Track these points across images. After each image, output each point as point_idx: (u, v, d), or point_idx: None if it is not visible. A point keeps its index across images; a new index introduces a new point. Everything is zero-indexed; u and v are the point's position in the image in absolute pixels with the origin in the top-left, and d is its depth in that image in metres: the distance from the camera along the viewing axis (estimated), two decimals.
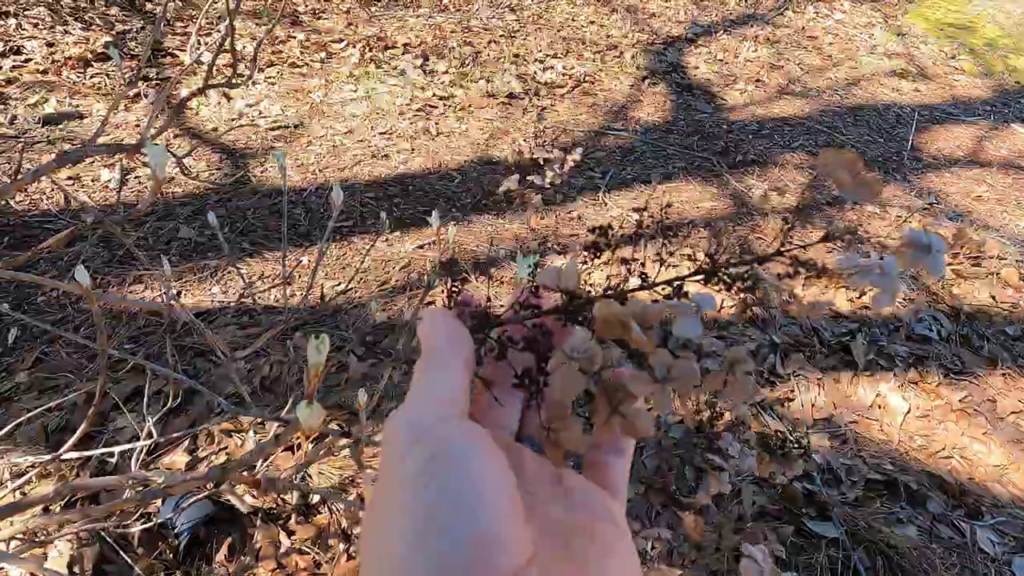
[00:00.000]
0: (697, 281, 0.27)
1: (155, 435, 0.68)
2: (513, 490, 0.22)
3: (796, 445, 1.38)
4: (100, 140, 2.33)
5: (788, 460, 1.29)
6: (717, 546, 1.17)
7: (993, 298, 1.91)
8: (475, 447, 0.22)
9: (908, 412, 1.55)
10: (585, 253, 0.30)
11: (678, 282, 0.27)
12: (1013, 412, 1.57)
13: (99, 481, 0.51)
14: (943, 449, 1.47)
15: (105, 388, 0.55)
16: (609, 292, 0.27)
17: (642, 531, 1.16)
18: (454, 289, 0.30)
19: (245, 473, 0.59)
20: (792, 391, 1.58)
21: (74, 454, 0.58)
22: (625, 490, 0.30)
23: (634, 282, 0.28)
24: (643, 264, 0.29)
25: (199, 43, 2.76)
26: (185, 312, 0.70)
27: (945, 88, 3.53)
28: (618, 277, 0.27)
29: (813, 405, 1.56)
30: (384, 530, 0.21)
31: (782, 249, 0.25)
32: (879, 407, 1.57)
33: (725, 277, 0.26)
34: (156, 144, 0.56)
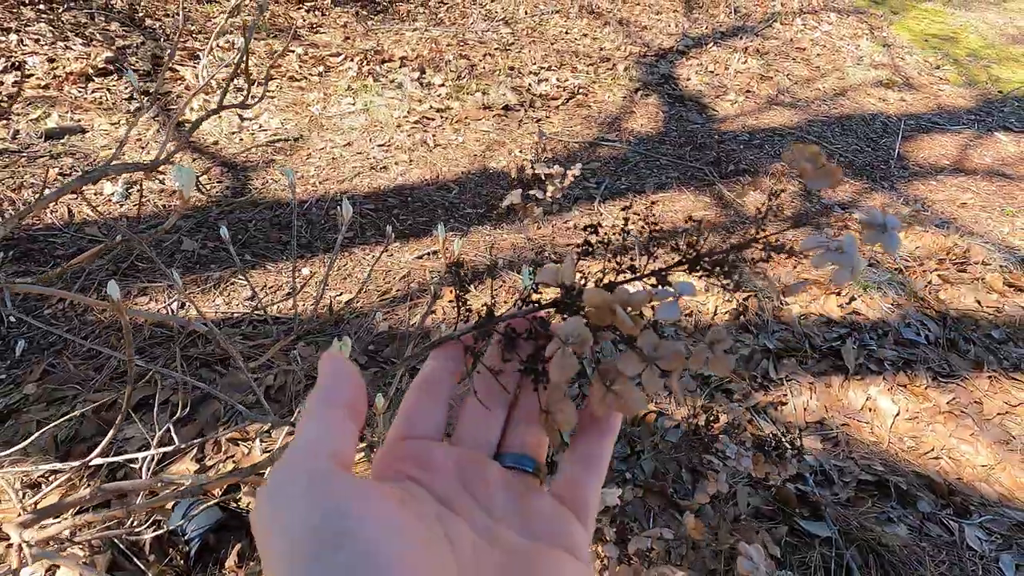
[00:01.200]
0: (682, 269, 0.29)
1: (176, 441, 0.71)
2: (406, 545, 0.21)
3: (790, 446, 1.42)
4: (103, 155, 2.36)
5: (782, 461, 1.33)
6: (715, 550, 1.21)
7: (978, 303, 1.97)
8: (360, 509, 0.21)
9: (897, 414, 1.60)
10: (578, 251, 0.32)
11: (665, 272, 0.29)
12: (999, 413, 1.61)
13: (132, 484, 0.54)
14: (932, 450, 1.51)
15: (131, 397, 0.58)
16: (600, 284, 0.29)
17: (644, 532, 1.19)
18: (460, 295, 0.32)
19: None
20: (785, 395, 1.62)
21: (100, 460, 0.61)
22: (594, 513, 0.30)
23: (625, 275, 0.30)
24: (632, 258, 0.32)
25: (204, 58, 2.80)
26: (206, 323, 0.73)
27: (930, 98, 3.61)
28: (612, 271, 0.30)
29: (805, 409, 1.60)
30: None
31: (757, 236, 0.28)
32: (869, 410, 1.61)
33: (706, 264, 0.28)
34: (184, 167, 0.60)
